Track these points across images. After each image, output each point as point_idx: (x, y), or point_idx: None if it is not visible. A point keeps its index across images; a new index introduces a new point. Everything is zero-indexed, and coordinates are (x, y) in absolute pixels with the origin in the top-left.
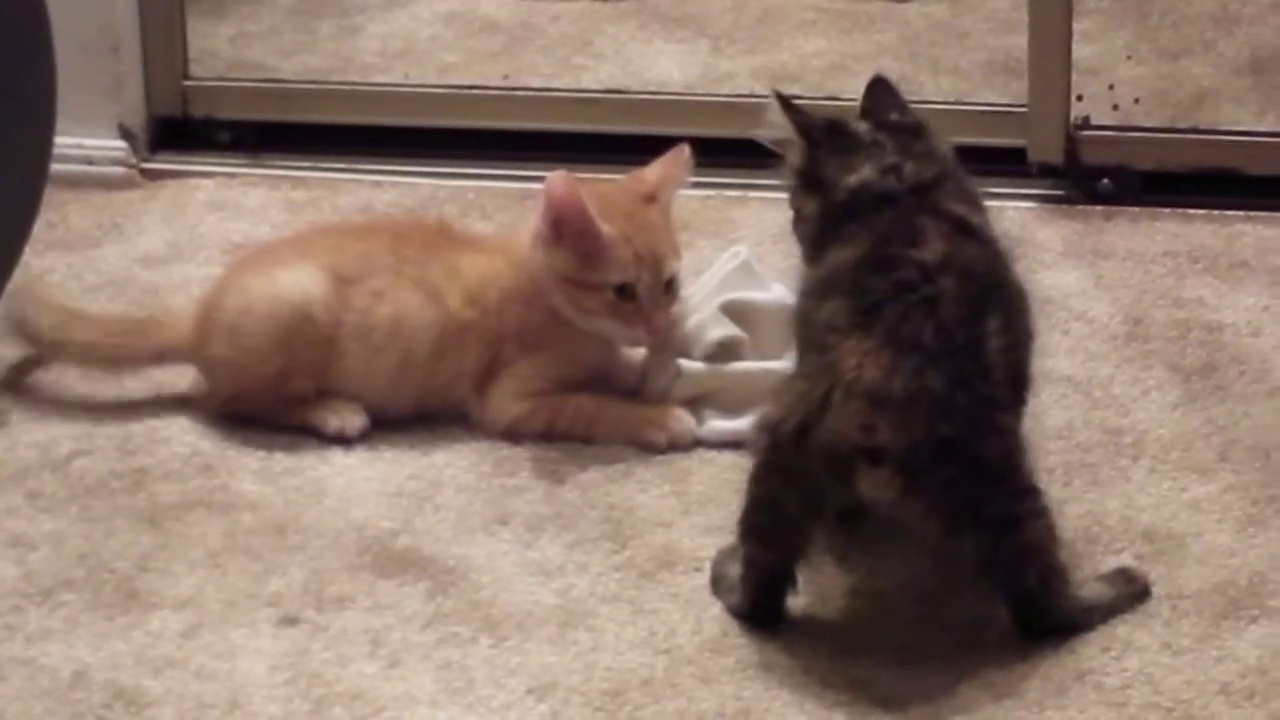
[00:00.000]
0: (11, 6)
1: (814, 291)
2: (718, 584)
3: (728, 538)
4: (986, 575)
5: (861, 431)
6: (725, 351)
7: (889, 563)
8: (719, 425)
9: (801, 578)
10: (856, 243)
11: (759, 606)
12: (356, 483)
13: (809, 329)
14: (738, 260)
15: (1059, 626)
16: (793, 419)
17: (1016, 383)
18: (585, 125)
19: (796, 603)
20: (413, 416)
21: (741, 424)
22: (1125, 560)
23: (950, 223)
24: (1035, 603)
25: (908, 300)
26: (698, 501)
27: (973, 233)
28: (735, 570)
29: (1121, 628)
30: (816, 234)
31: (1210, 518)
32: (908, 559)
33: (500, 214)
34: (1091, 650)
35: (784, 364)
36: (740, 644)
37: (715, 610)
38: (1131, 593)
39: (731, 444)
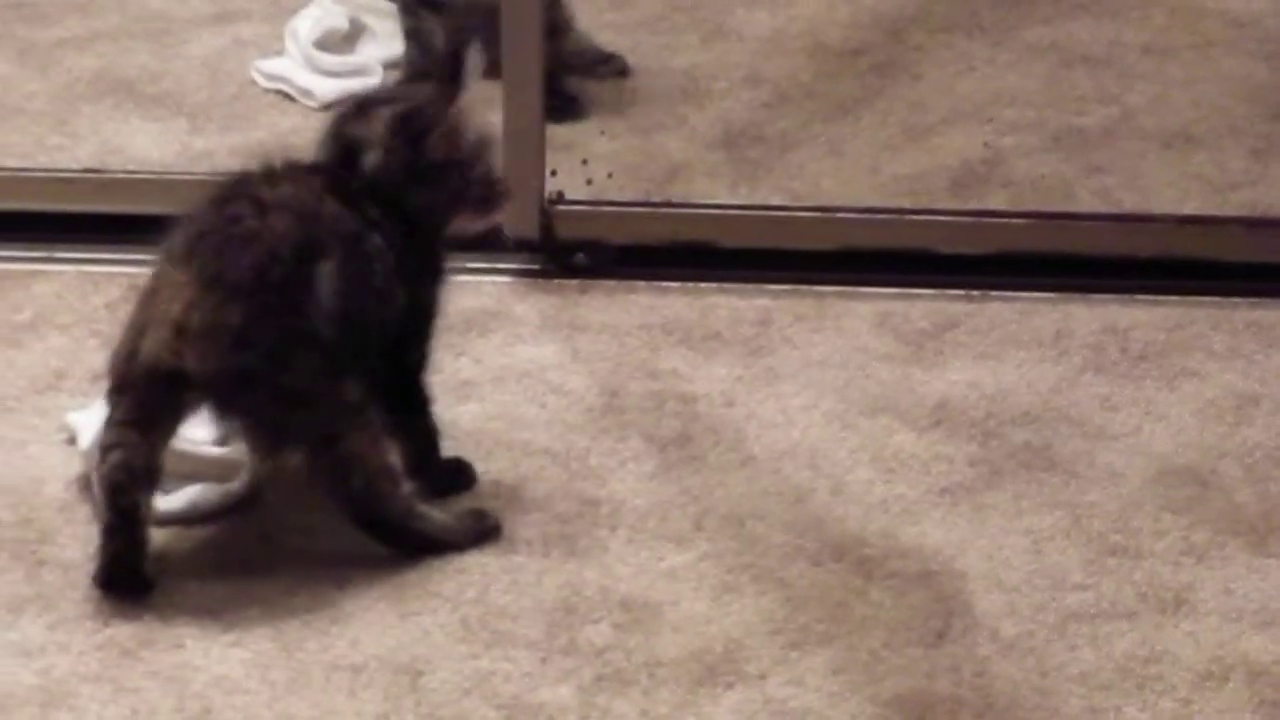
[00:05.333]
0: None
1: None
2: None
3: (210, 614)
4: (315, 483)
5: (172, 356)
6: None
7: None
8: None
9: None
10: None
11: (118, 569)
12: None
13: None
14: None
15: (391, 525)
16: (125, 346)
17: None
18: (64, 205)
19: None
20: None
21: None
22: (604, 630)
23: (328, 180)
24: (362, 501)
25: (228, 234)
26: (175, 579)
27: (348, 200)
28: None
29: (601, 696)
30: None
31: (687, 586)
32: None
33: None
34: (571, 718)
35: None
36: None
37: (197, 687)
38: (481, 529)
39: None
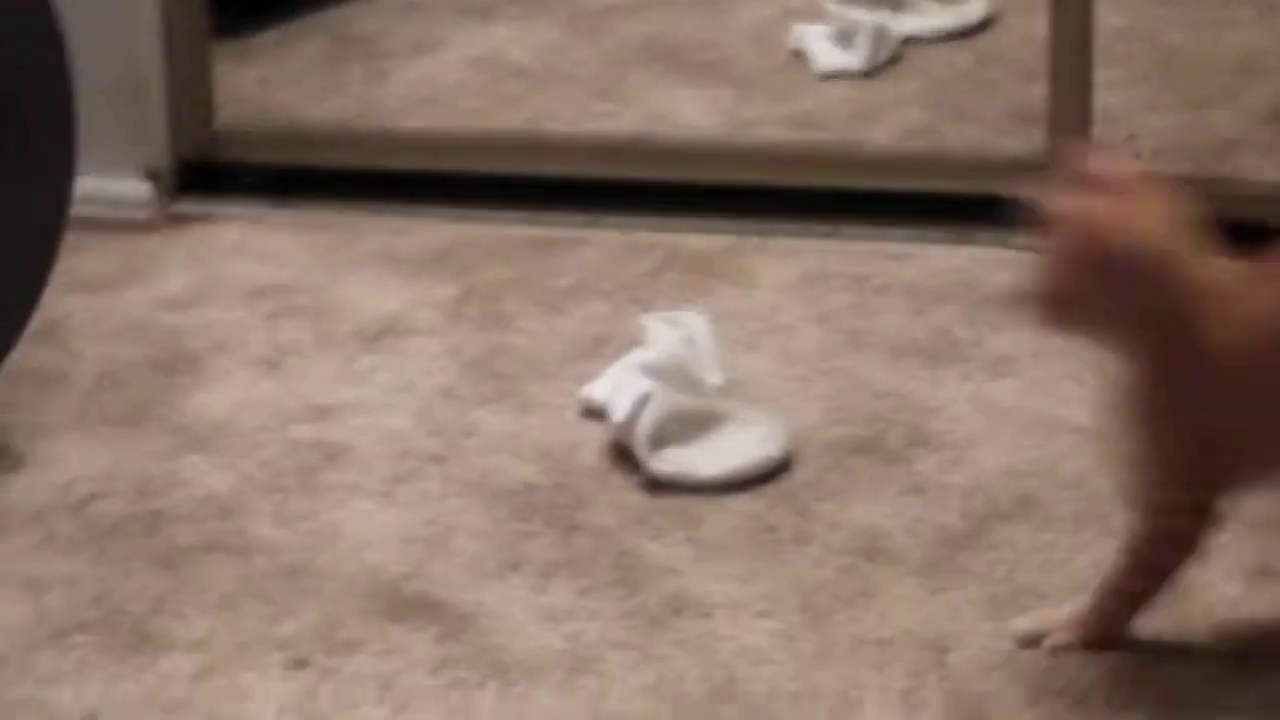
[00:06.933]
0: (32, 51)
1: None
2: None
3: (739, 584)
4: None
5: None
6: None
7: None
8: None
9: None
10: None
11: None
12: (371, 527)
13: None
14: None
15: None
16: None
17: None
18: (609, 172)
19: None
20: None
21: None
22: None
23: None
24: None
25: None
26: (709, 548)
27: None
28: None
29: (1128, 681)
30: None
31: (1219, 569)
32: None
33: (519, 261)
34: (1096, 699)
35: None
36: (748, 691)
37: (723, 656)
38: None
39: (721, 486)
